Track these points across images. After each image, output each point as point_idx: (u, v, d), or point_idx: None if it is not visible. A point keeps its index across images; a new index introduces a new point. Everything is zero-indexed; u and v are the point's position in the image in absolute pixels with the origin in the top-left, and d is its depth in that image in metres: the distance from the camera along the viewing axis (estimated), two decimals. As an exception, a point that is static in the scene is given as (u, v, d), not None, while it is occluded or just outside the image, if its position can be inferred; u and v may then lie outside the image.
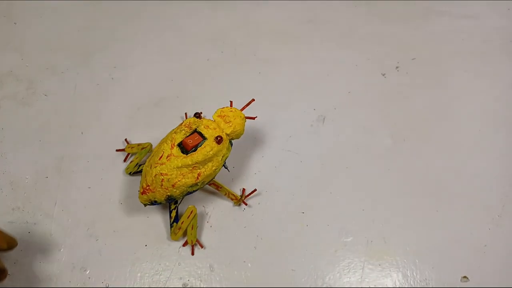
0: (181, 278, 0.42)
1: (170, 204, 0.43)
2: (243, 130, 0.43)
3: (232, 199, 0.45)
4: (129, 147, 0.48)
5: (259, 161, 0.48)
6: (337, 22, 0.60)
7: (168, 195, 0.41)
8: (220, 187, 0.44)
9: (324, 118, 0.51)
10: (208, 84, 0.54)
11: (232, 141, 0.44)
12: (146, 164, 0.43)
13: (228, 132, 0.42)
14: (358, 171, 0.48)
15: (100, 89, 0.54)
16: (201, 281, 0.42)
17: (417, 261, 0.43)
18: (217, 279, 0.42)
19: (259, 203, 0.46)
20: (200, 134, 0.42)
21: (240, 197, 0.45)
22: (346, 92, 0.54)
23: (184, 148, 0.41)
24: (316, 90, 0.54)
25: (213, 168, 0.41)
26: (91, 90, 0.54)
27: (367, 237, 0.44)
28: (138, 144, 0.48)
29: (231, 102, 0.45)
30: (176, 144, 0.41)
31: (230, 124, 0.42)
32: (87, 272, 0.42)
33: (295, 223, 0.45)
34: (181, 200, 0.44)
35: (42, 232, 0.44)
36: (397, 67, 0.56)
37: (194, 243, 0.43)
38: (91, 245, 0.43)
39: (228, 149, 0.43)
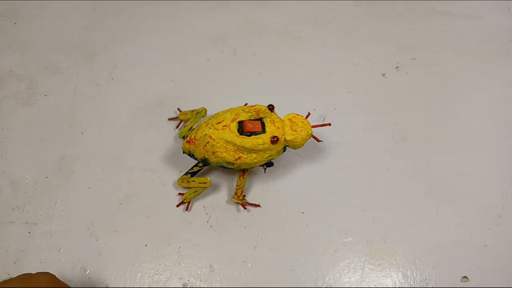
0: (181, 278, 0.42)
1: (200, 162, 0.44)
2: (303, 145, 0.43)
3: (235, 194, 0.44)
4: (182, 114, 0.49)
5: (259, 161, 0.48)
6: (337, 22, 0.60)
7: (205, 157, 0.43)
8: (243, 177, 0.44)
9: (324, 118, 0.51)
10: (208, 84, 0.54)
11: (286, 147, 0.43)
12: (206, 120, 0.44)
13: (287, 139, 0.42)
14: (358, 171, 0.48)
15: (100, 89, 0.54)
16: (201, 281, 0.42)
17: (417, 261, 0.43)
18: (217, 279, 0.42)
19: (259, 203, 0.46)
20: (263, 125, 0.42)
21: (243, 198, 0.45)
22: (346, 92, 0.54)
23: (242, 128, 0.41)
24: (316, 90, 0.54)
25: (255, 160, 0.42)
26: (91, 90, 0.54)
27: (367, 237, 0.44)
28: (192, 110, 0.49)
29: (308, 113, 0.45)
30: (237, 120, 0.42)
31: (294, 133, 0.42)
32: (87, 272, 0.42)
33: (295, 223, 0.45)
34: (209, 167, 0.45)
35: (42, 232, 0.44)
36: (397, 67, 0.56)
37: (186, 201, 0.45)
38: (91, 245, 0.43)
39: (279, 153, 0.43)
